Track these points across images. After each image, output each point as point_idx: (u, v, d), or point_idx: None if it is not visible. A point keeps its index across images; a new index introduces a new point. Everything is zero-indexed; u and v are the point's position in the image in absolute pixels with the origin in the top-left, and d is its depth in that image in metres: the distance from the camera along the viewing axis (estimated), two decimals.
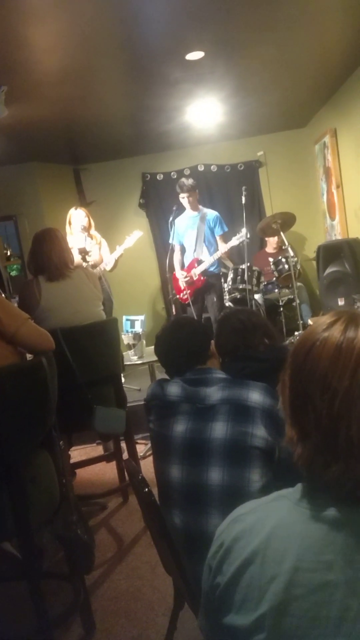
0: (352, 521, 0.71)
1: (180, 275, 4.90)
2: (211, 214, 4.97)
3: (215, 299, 4.92)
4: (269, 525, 0.77)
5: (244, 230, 4.73)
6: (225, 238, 4.92)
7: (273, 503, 0.82)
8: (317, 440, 0.73)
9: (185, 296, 4.83)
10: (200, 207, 4.98)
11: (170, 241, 4.95)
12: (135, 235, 4.52)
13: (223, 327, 1.93)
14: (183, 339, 1.78)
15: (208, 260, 4.83)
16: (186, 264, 4.99)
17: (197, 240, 4.87)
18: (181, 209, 4.92)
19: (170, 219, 4.78)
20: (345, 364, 0.70)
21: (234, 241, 4.77)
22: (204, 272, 4.87)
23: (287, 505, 0.78)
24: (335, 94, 4.95)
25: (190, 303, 4.76)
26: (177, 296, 5.07)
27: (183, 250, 5.03)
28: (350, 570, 0.68)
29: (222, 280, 5.16)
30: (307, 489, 0.77)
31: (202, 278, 4.87)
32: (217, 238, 4.94)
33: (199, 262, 4.87)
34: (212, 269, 4.91)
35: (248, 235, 4.75)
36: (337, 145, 5.22)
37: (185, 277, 4.83)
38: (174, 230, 4.86)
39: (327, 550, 0.70)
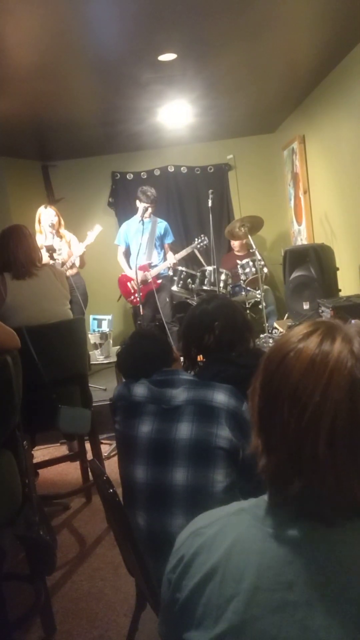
0: (312, 541, 0.69)
1: (134, 274, 4.80)
2: (161, 222, 5.21)
3: (167, 299, 5.11)
4: (228, 541, 0.75)
5: (203, 237, 4.98)
6: (171, 247, 5.25)
7: (234, 517, 0.80)
8: (282, 453, 0.70)
9: (136, 299, 4.85)
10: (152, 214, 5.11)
11: (115, 242, 5.18)
12: (96, 230, 4.51)
13: (229, 317, 1.86)
14: (148, 348, 1.80)
15: (162, 265, 5.07)
16: (132, 266, 4.95)
17: (148, 245, 5.02)
18: (140, 212, 4.89)
19: (138, 218, 4.78)
20: (318, 379, 0.67)
21: (194, 245, 5.02)
22: (158, 276, 5.06)
23: (248, 521, 0.76)
24: (304, 101, 5.04)
25: (142, 305, 4.76)
26: (127, 299, 5.14)
27: (128, 252, 5.19)
28: (310, 591, 0.67)
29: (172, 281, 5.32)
30: (268, 504, 0.76)
31: (157, 281, 5.02)
32: (165, 246, 5.24)
33: (152, 265, 5.04)
34: (163, 271, 5.15)
35: (206, 241, 4.96)
36: (305, 152, 5.30)
37: (143, 276, 4.86)
38: (124, 232, 5.11)
39: (287, 570, 0.69)
